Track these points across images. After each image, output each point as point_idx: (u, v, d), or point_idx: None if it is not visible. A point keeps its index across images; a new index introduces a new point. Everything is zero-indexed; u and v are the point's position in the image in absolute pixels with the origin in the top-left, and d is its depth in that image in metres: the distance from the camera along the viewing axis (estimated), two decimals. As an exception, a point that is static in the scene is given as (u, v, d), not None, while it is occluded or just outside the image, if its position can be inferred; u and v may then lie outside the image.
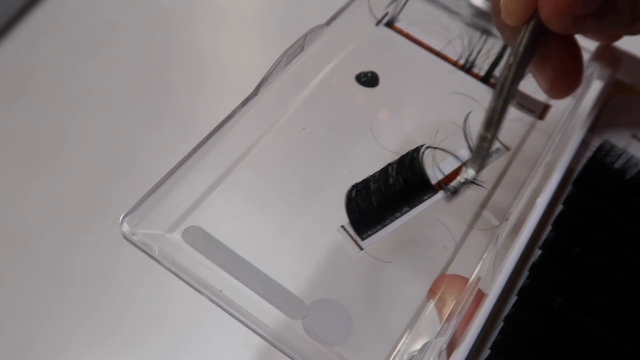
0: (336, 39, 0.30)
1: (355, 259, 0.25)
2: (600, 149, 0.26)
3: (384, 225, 0.25)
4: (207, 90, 0.42)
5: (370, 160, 0.27)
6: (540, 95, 0.30)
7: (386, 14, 0.32)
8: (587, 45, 0.31)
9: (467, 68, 0.31)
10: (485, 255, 0.24)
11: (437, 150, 0.27)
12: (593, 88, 0.29)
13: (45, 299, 0.34)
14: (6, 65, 0.42)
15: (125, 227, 0.23)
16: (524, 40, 0.22)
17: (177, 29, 0.45)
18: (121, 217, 0.23)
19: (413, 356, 0.22)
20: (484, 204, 0.27)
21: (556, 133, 0.28)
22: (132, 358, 0.32)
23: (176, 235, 0.24)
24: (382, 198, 0.26)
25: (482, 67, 0.31)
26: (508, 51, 0.24)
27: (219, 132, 0.25)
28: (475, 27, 0.32)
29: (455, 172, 0.27)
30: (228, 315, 0.22)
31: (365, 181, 0.26)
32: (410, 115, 0.29)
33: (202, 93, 0.42)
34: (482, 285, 0.23)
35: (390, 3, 0.32)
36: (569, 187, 0.26)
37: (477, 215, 0.26)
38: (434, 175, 0.27)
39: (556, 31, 0.22)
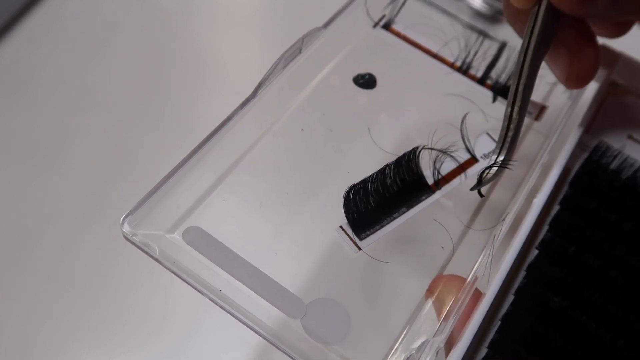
0: (333, 41, 0.30)
1: (354, 259, 0.25)
2: (596, 149, 0.26)
3: (382, 226, 0.25)
4: (207, 91, 0.42)
5: (368, 161, 0.27)
6: (536, 96, 0.30)
7: (383, 16, 0.32)
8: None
9: (463, 70, 0.31)
10: (482, 255, 0.24)
11: (434, 151, 0.27)
12: (589, 89, 0.29)
13: (45, 299, 0.34)
14: (6, 65, 0.43)
15: (126, 228, 0.23)
16: (537, 23, 0.22)
17: (177, 29, 0.45)
18: (122, 218, 0.23)
19: (411, 355, 0.22)
20: (481, 204, 0.27)
21: (552, 134, 0.28)
22: (132, 358, 0.32)
23: (176, 236, 0.24)
24: (380, 198, 0.26)
25: (478, 69, 0.31)
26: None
27: (218, 133, 0.26)
28: (472, 29, 0.32)
29: (452, 173, 0.27)
30: (228, 315, 0.22)
31: (363, 182, 0.26)
32: (408, 117, 0.29)
33: (202, 93, 0.42)
34: (479, 284, 0.23)
35: (388, 5, 0.33)
36: (565, 188, 0.26)
37: (474, 216, 0.27)
38: (431, 176, 0.27)
39: (567, 12, 0.22)
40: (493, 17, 0.32)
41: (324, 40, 0.30)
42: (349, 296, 0.24)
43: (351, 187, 0.26)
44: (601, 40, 0.30)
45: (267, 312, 0.22)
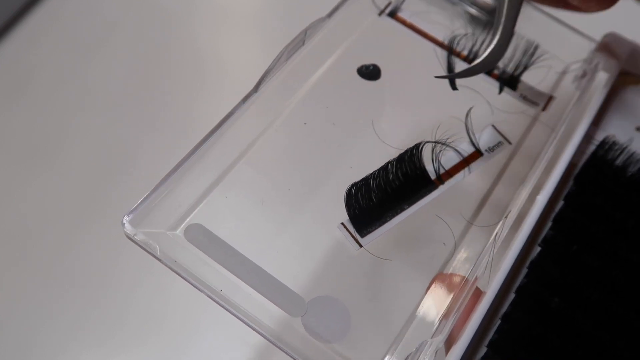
0: (338, 31, 0.30)
1: (355, 256, 0.25)
2: (602, 144, 0.26)
3: (384, 222, 0.25)
4: (207, 90, 0.42)
5: (371, 155, 0.27)
6: (544, 87, 0.30)
7: (389, 4, 0.32)
8: (594, 35, 0.30)
9: (470, 59, 0.30)
10: (484, 253, 0.24)
11: (438, 145, 0.27)
12: (598, 79, 0.28)
13: (46, 299, 0.35)
14: (6, 65, 0.43)
15: (128, 227, 0.23)
16: None
17: (176, 28, 0.45)
18: (124, 217, 0.23)
19: (410, 354, 0.22)
20: (484, 200, 0.27)
21: (559, 126, 0.28)
22: (132, 358, 0.33)
23: (178, 233, 0.24)
24: (382, 194, 0.26)
25: (485, 59, 0.30)
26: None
27: (219, 129, 0.25)
28: (479, 17, 0.32)
29: (456, 167, 0.27)
30: (227, 315, 0.22)
31: (365, 179, 0.26)
32: (412, 109, 0.29)
33: (202, 92, 0.42)
34: (480, 283, 0.23)
35: (394, -8, 0.32)
36: (570, 183, 0.25)
37: (477, 211, 0.26)
38: (434, 171, 0.27)
39: None
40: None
41: (328, 31, 0.29)
42: (349, 294, 0.24)
43: (353, 185, 0.26)
44: (612, 29, 0.29)
45: (267, 310, 0.23)
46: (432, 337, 0.22)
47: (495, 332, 0.22)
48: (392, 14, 0.32)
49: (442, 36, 0.31)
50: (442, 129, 0.28)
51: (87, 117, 0.40)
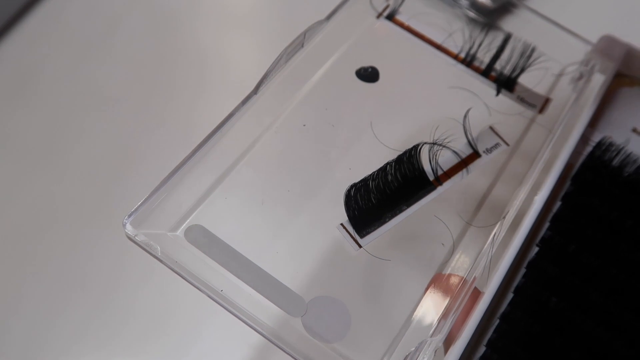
0: (336, 34, 0.30)
1: (354, 257, 0.25)
2: (598, 145, 0.26)
3: (383, 223, 0.26)
4: (207, 91, 0.42)
5: (370, 157, 0.27)
6: (541, 89, 0.30)
7: (387, 7, 0.32)
8: (590, 37, 0.30)
9: (467, 61, 0.31)
10: (482, 253, 0.24)
11: (436, 147, 0.27)
12: (594, 81, 0.29)
13: (46, 300, 0.34)
14: (7, 65, 0.43)
15: (129, 228, 0.23)
16: None
17: (177, 28, 0.45)
18: (124, 219, 0.23)
19: (410, 353, 0.22)
20: (482, 201, 0.27)
21: (556, 127, 0.28)
22: (133, 358, 0.33)
23: (178, 234, 0.24)
24: (381, 195, 0.26)
25: (482, 61, 0.30)
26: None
27: (219, 131, 0.26)
28: (477, 19, 0.32)
29: (454, 168, 0.27)
30: (228, 315, 0.22)
31: (364, 180, 0.26)
32: (411, 111, 0.29)
33: (202, 94, 0.42)
34: (478, 283, 0.23)
35: (392, -5, 0.32)
36: (567, 184, 0.26)
37: (475, 212, 0.27)
38: (432, 172, 0.27)
39: None
40: (498, 7, 0.32)
41: (327, 33, 0.29)
42: (349, 294, 0.24)
43: (352, 186, 0.26)
44: (607, 31, 0.30)
45: (268, 310, 0.23)
46: (431, 337, 0.23)
47: (494, 331, 0.22)
48: (390, 17, 0.32)
49: (440, 38, 0.31)
50: (440, 131, 0.28)
51: (88, 117, 0.40)
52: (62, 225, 0.37)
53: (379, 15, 0.32)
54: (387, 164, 0.27)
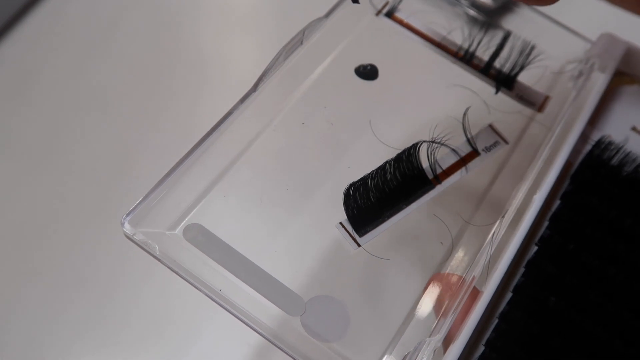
0: (335, 31, 0.30)
1: (353, 256, 0.25)
2: (597, 144, 0.26)
3: (382, 222, 0.25)
4: (205, 90, 0.42)
5: (369, 155, 0.27)
6: (540, 87, 0.30)
7: (386, 4, 0.32)
8: (589, 35, 0.30)
9: (467, 59, 0.30)
10: (481, 252, 0.24)
11: (435, 145, 0.27)
12: (594, 79, 0.29)
13: (46, 300, 0.34)
14: (6, 65, 0.42)
15: (127, 227, 0.23)
16: None
17: (177, 27, 0.45)
18: (123, 217, 0.23)
19: (409, 352, 0.22)
20: (481, 200, 0.27)
21: (555, 126, 0.28)
22: (133, 358, 0.33)
23: (177, 233, 0.24)
24: (380, 194, 0.26)
25: (482, 59, 0.30)
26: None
27: (218, 129, 0.25)
28: (476, 17, 0.32)
29: (453, 166, 0.27)
30: (227, 316, 0.22)
31: (363, 179, 0.26)
32: (410, 109, 0.29)
33: (200, 92, 0.42)
34: (477, 283, 0.23)
35: (391, -8, 0.32)
36: (566, 182, 0.26)
37: (474, 211, 0.26)
38: (432, 170, 0.27)
39: None
40: (499, 6, 0.32)
41: (326, 31, 0.29)
42: (348, 293, 0.24)
43: (351, 185, 0.26)
44: (607, 29, 0.30)
45: (266, 310, 0.23)
46: (430, 336, 0.23)
47: (493, 331, 0.22)
48: (389, 14, 0.32)
49: (440, 36, 0.31)
50: (439, 129, 0.28)
51: (87, 117, 0.40)
52: (62, 225, 0.37)
53: (378, 13, 0.32)
54: (386, 162, 0.26)
